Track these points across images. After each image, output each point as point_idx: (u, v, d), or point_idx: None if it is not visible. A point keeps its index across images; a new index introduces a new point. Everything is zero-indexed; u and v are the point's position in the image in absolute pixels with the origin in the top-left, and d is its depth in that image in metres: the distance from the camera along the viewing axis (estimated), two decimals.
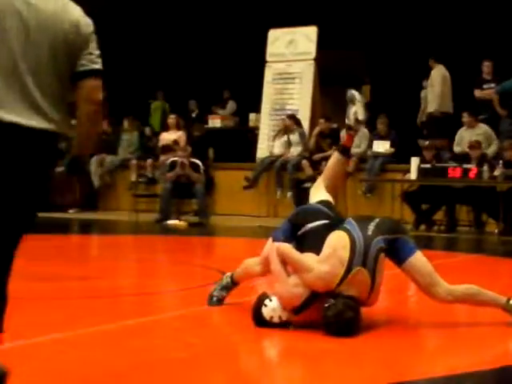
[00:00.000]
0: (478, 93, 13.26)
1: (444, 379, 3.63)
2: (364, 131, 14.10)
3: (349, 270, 4.58)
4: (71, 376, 3.72)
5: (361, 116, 5.64)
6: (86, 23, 3.13)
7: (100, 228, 13.30)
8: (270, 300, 4.72)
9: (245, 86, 15.70)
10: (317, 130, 14.28)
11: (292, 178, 13.82)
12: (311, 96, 14.77)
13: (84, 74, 3.12)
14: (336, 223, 4.93)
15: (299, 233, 5.03)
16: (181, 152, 13.78)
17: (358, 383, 3.74)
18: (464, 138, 12.71)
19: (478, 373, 3.78)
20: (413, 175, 12.01)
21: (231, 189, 14.46)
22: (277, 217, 13.80)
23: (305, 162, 13.86)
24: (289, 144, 14.19)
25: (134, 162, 15.43)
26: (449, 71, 13.68)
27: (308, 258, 4.76)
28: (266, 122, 15.06)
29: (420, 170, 11.90)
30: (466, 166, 11.71)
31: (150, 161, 15.13)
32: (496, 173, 11.50)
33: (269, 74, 15.26)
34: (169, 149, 14.34)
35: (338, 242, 4.70)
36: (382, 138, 13.69)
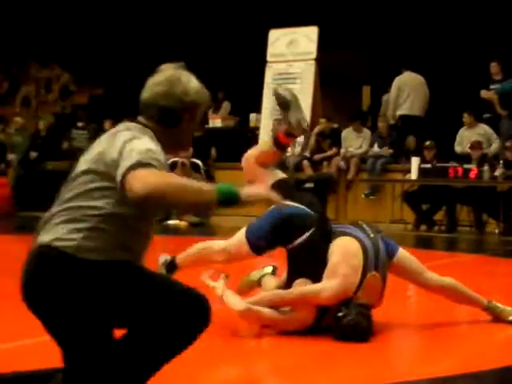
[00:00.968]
0: (483, 93, 13.25)
1: (444, 379, 3.63)
2: (365, 131, 14.12)
3: (364, 275, 4.44)
4: None
5: (305, 123, 4.88)
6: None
7: None
8: None
9: (245, 86, 15.69)
10: (317, 129, 14.28)
11: (292, 176, 13.82)
12: (312, 96, 14.75)
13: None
14: (326, 229, 4.64)
15: (289, 247, 4.61)
16: (181, 152, 13.78)
17: (357, 383, 3.74)
18: (464, 137, 12.73)
19: (478, 373, 3.78)
20: (413, 175, 12.01)
21: None
22: None
23: (305, 162, 13.86)
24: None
25: None
26: (452, 72, 13.74)
27: (305, 287, 4.47)
28: (266, 122, 15.05)
29: (420, 170, 11.91)
30: (466, 166, 11.72)
31: None
32: (496, 173, 11.50)
33: (269, 74, 15.26)
34: None
35: (346, 250, 4.48)
36: (382, 138, 13.69)
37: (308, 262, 4.55)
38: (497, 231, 11.46)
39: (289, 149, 14.70)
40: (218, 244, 4.96)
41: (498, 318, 4.87)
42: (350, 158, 13.77)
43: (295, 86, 15.08)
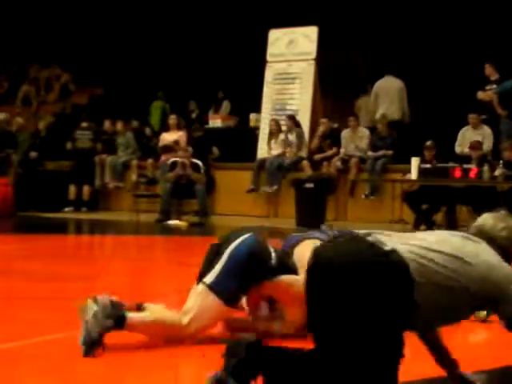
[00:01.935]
0: (480, 94, 13.26)
1: (444, 379, 3.63)
2: (364, 131, 14.13)
3: None
4: (72, 376, 3.72)
5: None
6: None
7: (100, 228, 13.30)
8: None
9: (245, 86, 15.70)
10: (320, 131, 14.29)
11: (289, 177, 13.82)
12: (311, 96, 14.77)
13: None
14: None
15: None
16: (181, 152, 13.79)
17: None
18: (466, 138, 12.74)
19: (478, 373, 3.78)
20: (413, 175, 12.01)
21: (231, 189, 14.47)
22: (277, 217, 13.82)
23: (305, 162, 13.87)
24: (286, 144, 14.20)
25: (134, 162, 15.46)
26: (451, 73, 13.77)
27: (295, 276, 4.31)
28: (266, 122, 15.05)
29: (420, 170, 11.90)
30: (466, 166, 11.72)
31: (150, 161, 15.15)
32: (496, 173, 11.50)
33: (269, 74, 15.27)
34: (169, 149, 14.35)
35: (308, 246, 4.21)
36: (382, 138, 13.69)
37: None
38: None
39: (289, 149, 14.55)
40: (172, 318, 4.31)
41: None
42: (350, 159, 13.77)
43: (295, 86, 15.11)
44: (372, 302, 2.91)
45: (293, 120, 14.30)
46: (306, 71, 14.90)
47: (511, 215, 3.38)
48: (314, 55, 14.84)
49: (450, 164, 11.94)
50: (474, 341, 4.63)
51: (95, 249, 10.88)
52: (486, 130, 12.73)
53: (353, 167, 13.65)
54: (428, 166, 11.97)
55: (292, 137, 14.19)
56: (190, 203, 14.09)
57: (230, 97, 17.01)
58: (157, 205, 13.85)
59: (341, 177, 13.80)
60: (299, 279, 4.23)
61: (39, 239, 10.47)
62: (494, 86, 13.15)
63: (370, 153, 13.64)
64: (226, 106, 17.07)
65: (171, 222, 12.90)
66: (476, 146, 12.06)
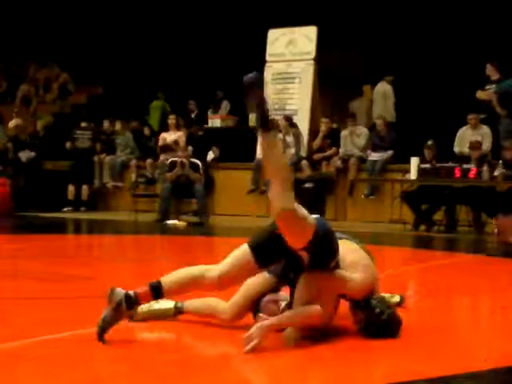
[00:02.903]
0: (479, 93, 13.27)
1: (444, 379, 3.63)
2: (363, 130, 14.13)
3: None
4: (72, 376, 3.71)
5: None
6: None
7: (99, 228, 13.29)
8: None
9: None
10: (322, 132, 14.28)
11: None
12: (311, 96, 14.77)
13: None
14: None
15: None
16: (180, 152, 13.79)
17: (357, 383, 3.74)
18: (465, 138, 12.74)
19: (479, 373, 3.77)
20: (412, 175, 12.01)
21: (231, 189, 14.47)
22: None
23: (304, 162, 13.87)
24: (284, 145, 14.20)
25: (133, 161, 15.47)
26: (450, 73, 13.78)
27: (341, 272, 4.23)
28: None
29: (420, 170, 11.90)
30: (465, 166, 11.72)
31: (149, 161, 15.15)
32: (496, 173, 11.51)
33: (268, 74, 15.27)
34: (168, 149, 14.35)
35: (349, 250, 4.34)
36: (381, 138, 13.70)
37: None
38: (496, 231, 11.46)
39: (287, 150, 14.52)
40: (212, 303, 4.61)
41: None
42: (349, 158, 13.78)
43: (294, 86, 15.11)
44: None
45: (289, 121, 14.27)
46: (305, 71, 14.90)
47: None
48: (313, 55, 14.85)
49: (450, 164, 11.95)
50: (474, 340, 4.63)
51: (94, 249, 10.87)
52: (485, 130, 12.76)
53: (352, 167, 13.66)
54: (427, 165, 11.97)
55: (289, 138, 14.17)
56: (189, 203, 14.09)
57: (229, 97, 17.00)
58: (156, 205, 13.85)
59: (340, 177, 13.80)
60: (355, 280, 4.22)
61: (38, 239, 10.47)
62: (494, 86, 13.17)
63: (369, 151, 13.65)
64: (225, 105, 17.07)
65: (170, 222, 12.89)
66: (476, 145, 12.07)
